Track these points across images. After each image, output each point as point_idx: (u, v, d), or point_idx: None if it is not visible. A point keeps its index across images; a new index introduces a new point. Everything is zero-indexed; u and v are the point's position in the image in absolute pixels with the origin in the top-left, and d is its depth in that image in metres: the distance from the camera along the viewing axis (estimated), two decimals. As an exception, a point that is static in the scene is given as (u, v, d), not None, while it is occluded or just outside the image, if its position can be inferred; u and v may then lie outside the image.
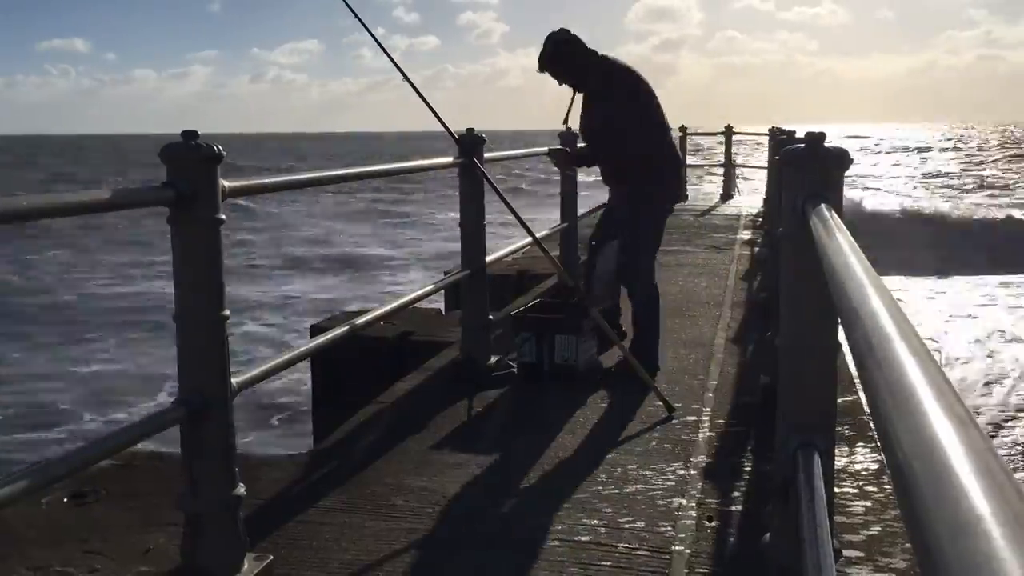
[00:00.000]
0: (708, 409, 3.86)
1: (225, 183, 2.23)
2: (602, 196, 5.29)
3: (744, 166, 17.31)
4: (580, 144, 4.97)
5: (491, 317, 4.49)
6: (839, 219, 1.70)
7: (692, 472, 3.16)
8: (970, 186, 36.66)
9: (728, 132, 15.18)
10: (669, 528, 2.70)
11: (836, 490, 2.65)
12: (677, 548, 2.57)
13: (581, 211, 7.16)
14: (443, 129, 4.07)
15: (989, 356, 9.83)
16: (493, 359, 4.41)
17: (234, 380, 2.29)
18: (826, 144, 2.06)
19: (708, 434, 3.56)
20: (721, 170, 16.12)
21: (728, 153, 15.16)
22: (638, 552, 2.55)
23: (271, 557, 2.40)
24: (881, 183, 36.11)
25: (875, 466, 3.12)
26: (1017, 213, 20.19)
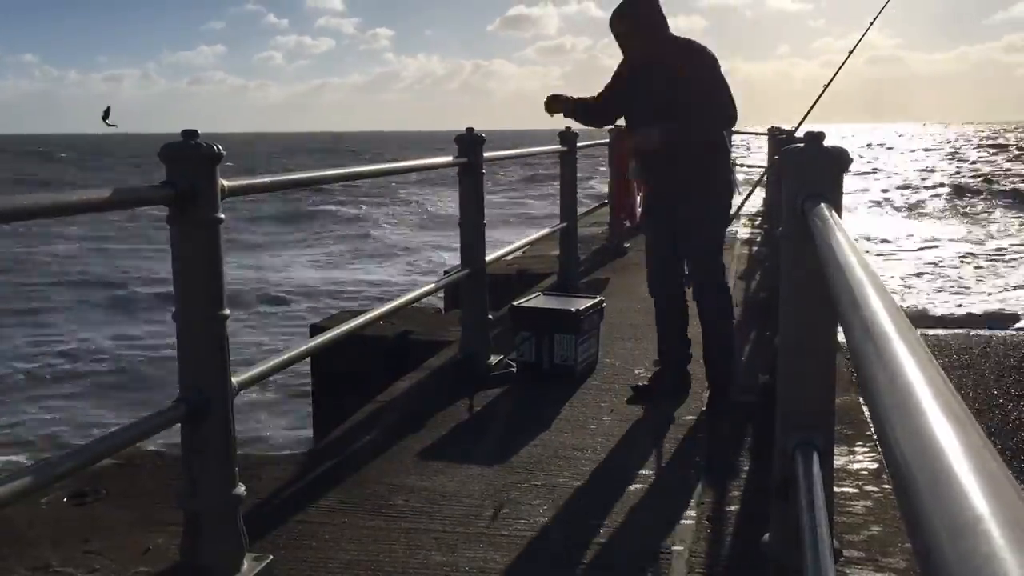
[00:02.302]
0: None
1: (225, 182, 2.23)
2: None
3: (744, 166, 17.27)
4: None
5: (491, 316, 4.50)
6: (839, 218, 1.70)
7: (692, 472, 3.16)
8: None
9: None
10: (669, 528, 2.70)
11: (836, 490, 2.65)
12: (677, 548, 2.57)
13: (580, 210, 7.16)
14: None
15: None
16: (493, 358, 4.41)
17: (234, 379, 2.29)
18: (825, 143, 2.06)
19: (708, 433, 3.56)
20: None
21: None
22: (638, 552, 2.55)
23: (271, 557, 2.40)
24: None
25: (875, 466, 3.12)
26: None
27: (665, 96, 3.72)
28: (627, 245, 8.42)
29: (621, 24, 3.79)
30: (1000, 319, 10.32)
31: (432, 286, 4.21)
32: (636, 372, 4.41)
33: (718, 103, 3.72)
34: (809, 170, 2.04)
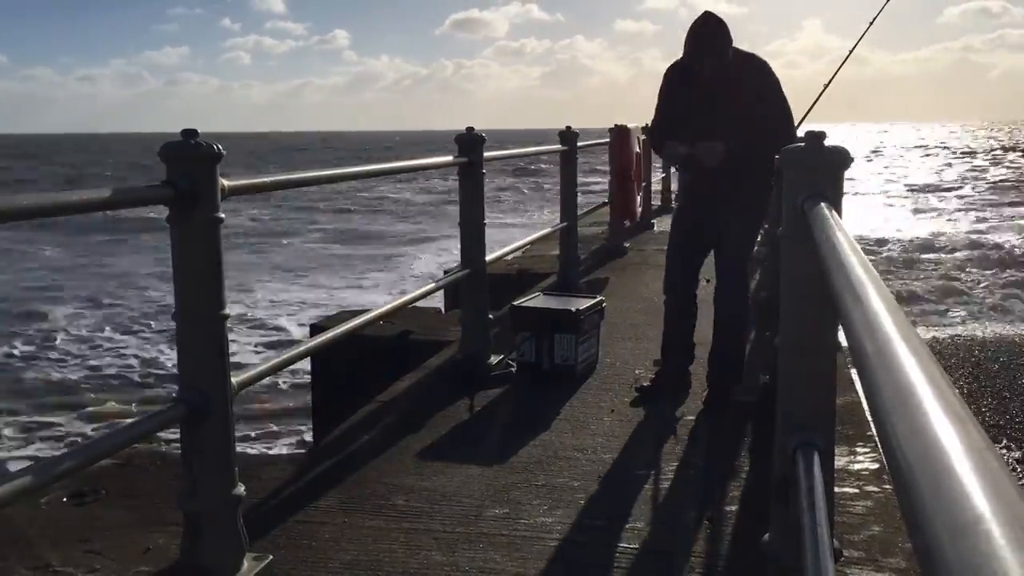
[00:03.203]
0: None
1: (225, 182, 2.23)
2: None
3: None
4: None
5: (491, 316, 4.49)
6: (839, 218, 1.70)
7: (692, 472, 3.16)
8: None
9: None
10: (669, 528, 2.70)
11: (836, 490, 2.65)
12: (677, 548, 2.57)
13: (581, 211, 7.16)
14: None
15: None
16: (493, 358, 4.41)
17: (234, 379, 2.29)
18: (826, 143, 2.06)
19: (708, 433, 3.56)
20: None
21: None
22: (638, 552, 2.55)
23: (271, 557, 2.40)
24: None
25: (875, 466, 3.12)
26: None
27: (733, 112, 3.76)
28: (627, 245, 8.42)
29: (715, 42, 3.77)
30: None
31: (432, 286, 4.21)
32: (636, 372, 4.41)
33: (783, 125, 3.80)
34: (809, 170, 2.04)
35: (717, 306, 3.97)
